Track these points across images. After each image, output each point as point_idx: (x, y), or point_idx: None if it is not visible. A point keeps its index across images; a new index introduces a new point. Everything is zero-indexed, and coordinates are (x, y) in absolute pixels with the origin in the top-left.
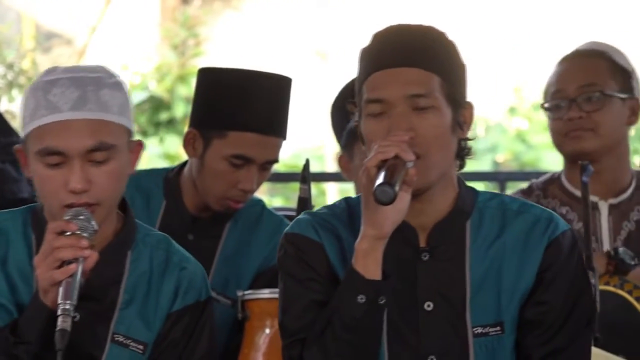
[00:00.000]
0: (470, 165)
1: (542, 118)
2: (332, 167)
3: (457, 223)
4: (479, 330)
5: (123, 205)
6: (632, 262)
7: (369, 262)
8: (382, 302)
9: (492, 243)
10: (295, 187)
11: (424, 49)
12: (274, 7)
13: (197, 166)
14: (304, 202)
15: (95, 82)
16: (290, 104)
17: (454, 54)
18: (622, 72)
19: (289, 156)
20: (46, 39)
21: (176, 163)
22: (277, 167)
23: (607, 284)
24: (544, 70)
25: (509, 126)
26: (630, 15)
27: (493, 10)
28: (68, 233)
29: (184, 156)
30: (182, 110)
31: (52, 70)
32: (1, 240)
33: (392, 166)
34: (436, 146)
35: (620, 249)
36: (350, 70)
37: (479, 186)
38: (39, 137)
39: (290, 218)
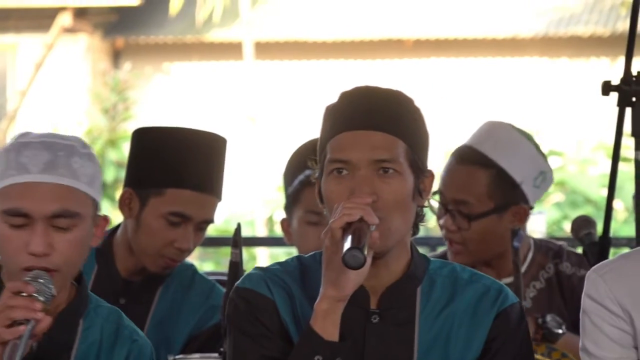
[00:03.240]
0: None
1: None
2: (263, 231)
3: (408, 288)
4: None
5: (77, 276)
6: (560, 331)
7: (327, 323)
8: None
9: (441, 310)
10: (226, 251)
11: (392, 114)
12: (204, 72)
13: (132, 227)
14: (236, 266)
15: (68, 149)
16: (225, 165)
17: (420, 122)
18: (506, 186)
19: (220, 221)
20: None
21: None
22: (208, 232)
23: (534, 352)
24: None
25: None
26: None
27: (424, 72)
28: (24, 294)
29: (115, 221)
30: (112, 174)
31: (25, 134)
32: None
33: (358, 229)
34: (397, 211)
35: (548, 317)
36: (279, 135)
37: None
38: (6, 197)
39: (222, 283)
